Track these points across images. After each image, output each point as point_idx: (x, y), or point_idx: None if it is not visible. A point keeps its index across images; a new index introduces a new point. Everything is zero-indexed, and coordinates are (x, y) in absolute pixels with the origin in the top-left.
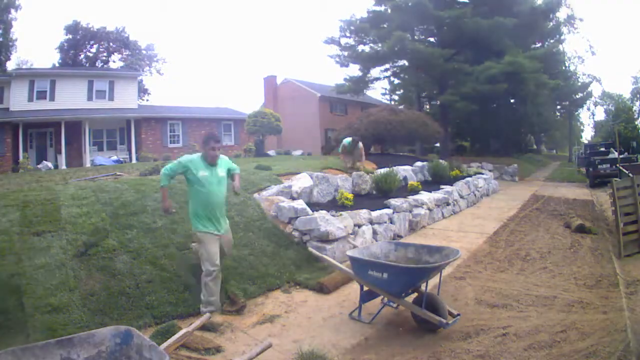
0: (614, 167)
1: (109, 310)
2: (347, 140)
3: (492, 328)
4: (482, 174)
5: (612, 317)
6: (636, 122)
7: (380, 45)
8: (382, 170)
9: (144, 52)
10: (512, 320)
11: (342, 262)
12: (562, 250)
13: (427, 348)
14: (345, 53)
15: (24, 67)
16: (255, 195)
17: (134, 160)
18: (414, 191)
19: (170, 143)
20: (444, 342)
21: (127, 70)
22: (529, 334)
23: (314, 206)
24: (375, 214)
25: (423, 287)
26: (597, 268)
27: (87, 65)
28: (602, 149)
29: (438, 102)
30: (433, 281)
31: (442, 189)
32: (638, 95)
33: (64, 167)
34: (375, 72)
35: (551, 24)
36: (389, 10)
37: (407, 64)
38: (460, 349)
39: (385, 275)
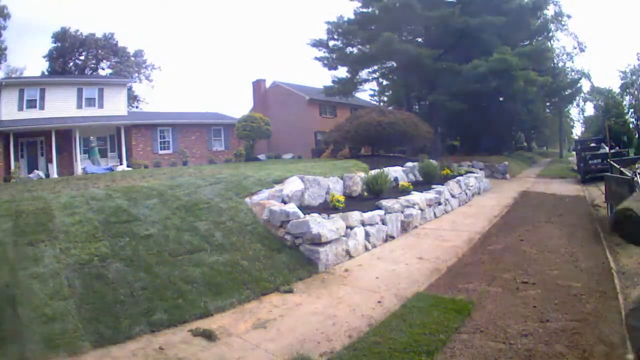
0: (605, 162)
1: (104, 318)
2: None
3: None
4: (473, 172)
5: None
6: (626, 117)
7: (368, 46)
8: (373, 172)
9: (132, 59)
10: None
11: (335, 265)
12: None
13: None
14: (334, 55)
15: (13, 75)
16: (247, 199)
17: (125, 167)
18: (405, 192)
19: (161, 149)
20: None
21: (116, 77)
22: None
23: (306, 209)
24: (367, 215)
25: None
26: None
27: (76, 73)
28: (593, 145)
29: (427, 102)
30: None
31: (433, 188)
32: (627, 90)
33: (55, 175)
34: (363, 73)
35: (539, 21)
36: (377, 12)
37: (395, 64)
38: None
39: None
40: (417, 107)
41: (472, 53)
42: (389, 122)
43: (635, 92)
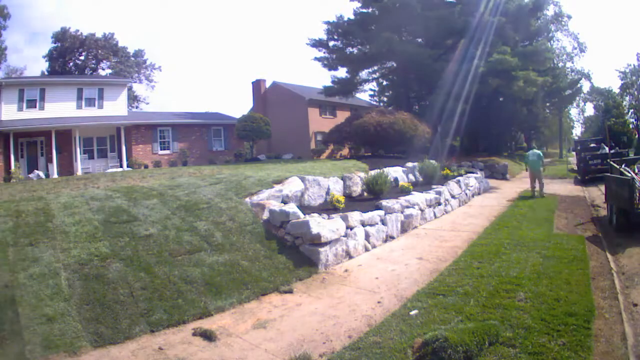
0: (604, 162)
1: (103, 318)
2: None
3: None
4: (473, 173)
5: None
6: (626, 117)
7: (368, 47)
8: (373, 172)
9: (132, 59)
10: None
11: (335, 265)
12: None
13: None
14: (333, 55)
15: (13, 75)
16: (247, 200)
17: (125, 168)
18: (405, 192)
19: (161, 150)
20: None
21: (116, 77)
22: None
23: (306, 209)
24: (367, 215)
25: None
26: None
27: (76, 73)
28: (593, 145)
29: (427, 102)
30: None
31: (433, 189)
32: (627, 90)
33: (55, 175)
34: (363, 74)
35: (539, 21)
36: (377, 12)
37: (395, 65)
38: None
39: None
40: (417, 107)
41: (472, 53)
42: (389, 123)
43: (635, 92)
